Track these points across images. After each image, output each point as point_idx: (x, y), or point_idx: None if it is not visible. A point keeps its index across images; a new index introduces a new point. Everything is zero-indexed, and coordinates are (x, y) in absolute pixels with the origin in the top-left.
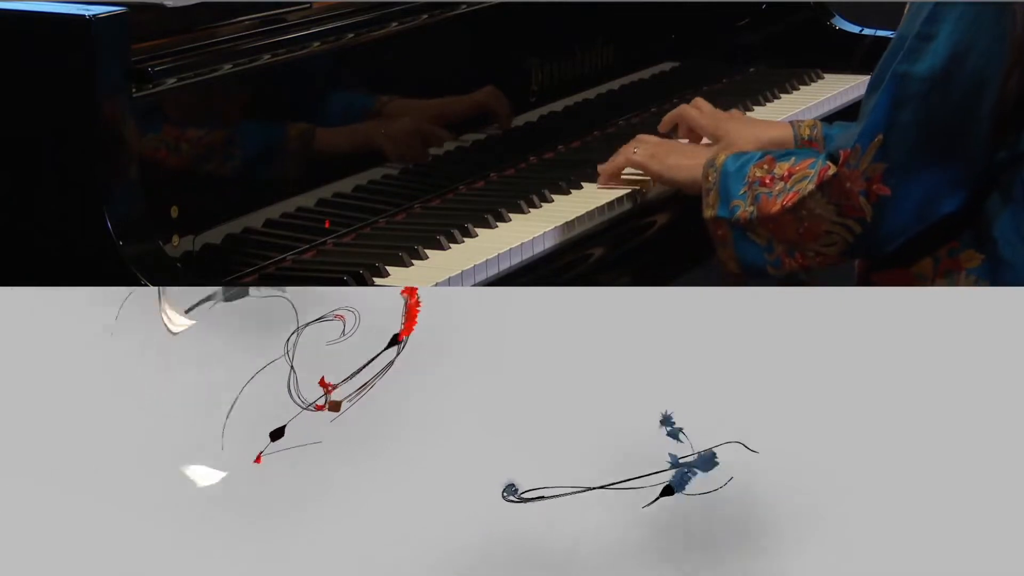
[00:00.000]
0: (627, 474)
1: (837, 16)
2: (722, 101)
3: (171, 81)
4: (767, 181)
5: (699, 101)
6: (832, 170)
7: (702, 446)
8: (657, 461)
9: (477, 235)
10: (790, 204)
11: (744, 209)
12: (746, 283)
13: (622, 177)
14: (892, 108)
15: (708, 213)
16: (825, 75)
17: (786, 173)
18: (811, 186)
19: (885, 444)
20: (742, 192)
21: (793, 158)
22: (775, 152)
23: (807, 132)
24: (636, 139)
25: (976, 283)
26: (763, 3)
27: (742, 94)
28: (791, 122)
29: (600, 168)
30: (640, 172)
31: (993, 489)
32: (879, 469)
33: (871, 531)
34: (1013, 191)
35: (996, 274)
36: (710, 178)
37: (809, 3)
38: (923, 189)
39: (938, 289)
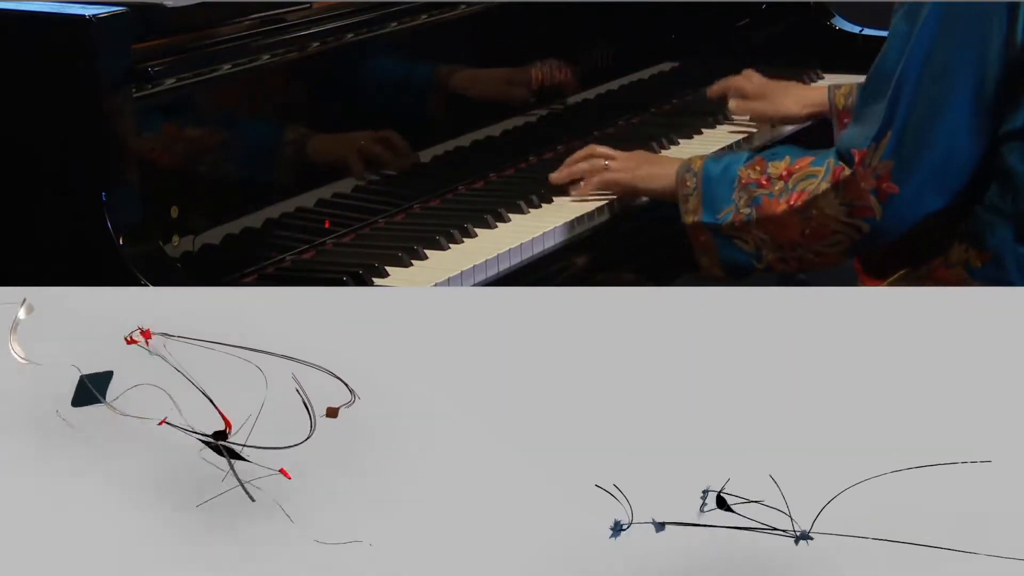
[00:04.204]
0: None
1: (837, 16)
2: (722, 101)
3: (171, 81)
4: (763, 182)
5: (749, 72)
6: (847, 171)
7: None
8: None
9: (477, 235)
10: (799, 204)
11: (738, 212)
12: (731, 283)
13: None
14: (904, 107)
15: (690, 219)
16: (825, 75)
17: (784, 172)
18: (825, 185)
19: (884, 444)
20: (733, 196)
21: (788, 157)
22: (763, 152)
23: (842, 101)
24: (588, 149)
25: (967, 252)
26: (763, 3)
27: None
28: (828, 86)
29: (554, 176)
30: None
31: (994, 490)
32: (877, 469)
33: (872, 531)
34: (999, 164)
35: (983, 241)
36: (688, 183)
37: (809, 3)
38: (928, 181)
39: (938, 289)
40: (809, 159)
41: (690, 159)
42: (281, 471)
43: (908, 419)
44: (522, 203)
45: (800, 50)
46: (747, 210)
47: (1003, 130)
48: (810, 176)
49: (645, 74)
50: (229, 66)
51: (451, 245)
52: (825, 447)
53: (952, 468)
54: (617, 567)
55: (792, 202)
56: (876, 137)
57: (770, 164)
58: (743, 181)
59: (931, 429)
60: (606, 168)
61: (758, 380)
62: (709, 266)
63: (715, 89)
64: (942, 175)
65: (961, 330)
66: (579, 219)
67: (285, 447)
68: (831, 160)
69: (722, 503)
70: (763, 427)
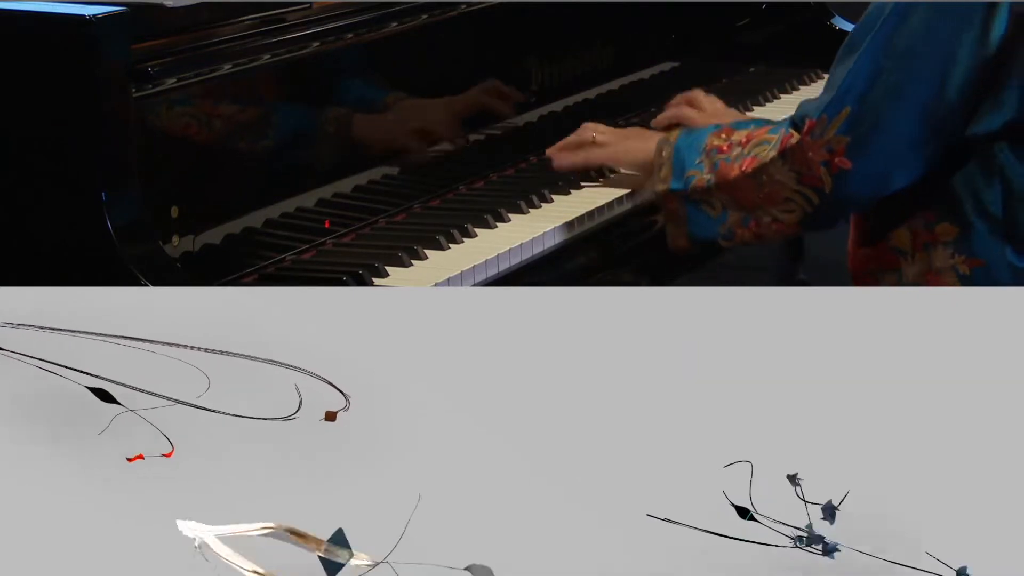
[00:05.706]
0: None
1: (837, 16)
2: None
3: (171, 81)
4: (724, 148)
5: (698, 97)
6: (795, 138)
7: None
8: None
9: (477, 235)
10: (749, 169)
11: (700, 177)
12: (695, 255)
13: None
14: (862, 82)
15: (660, 187)
16: (825, 75)
17: (744, 139)
18: (773, 153)
19: (883, 444)
20: (698, 162)
21: (752, 125)
22: (732, 123)
23: None
24: (584, 127)
25: (952, 257)
26: (763, 3)
27: (742, 94)
28: None
29: (551, 150)
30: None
31: (994, 490)
32: (878, 469)
33: (871, 531)
34: (989, 164)
35: (970, 246)
36: (663, 153)
37: (809, 3)
38: (883, 163)
39: (937, 289)
40: (769, 127)
41: (669, 132)
42: None
43: (906, 418)
44: (522, 203)
45: (800, 50)
46: (708, 176)
47: (977, 129)
48: (764, 143)
49: (645, 74)
50: (229, 66)
51: (451, 245)
52: (824, 446)
53: (949, 473)
54: (614, 567)
55: (744, 167)
56: (828, 108)
57: (736, 132)
58: (707, 148)
59: (929, 428)
60: (593, 141)
61: (757, 379)
62: (676, 236)
63: (661, 120)
64: (899, 159)
65: (958, 330)
66: (579, 219)
67: (272, 419)
68: (783, 128)
69: (743, 513)
70: (762, 426)
